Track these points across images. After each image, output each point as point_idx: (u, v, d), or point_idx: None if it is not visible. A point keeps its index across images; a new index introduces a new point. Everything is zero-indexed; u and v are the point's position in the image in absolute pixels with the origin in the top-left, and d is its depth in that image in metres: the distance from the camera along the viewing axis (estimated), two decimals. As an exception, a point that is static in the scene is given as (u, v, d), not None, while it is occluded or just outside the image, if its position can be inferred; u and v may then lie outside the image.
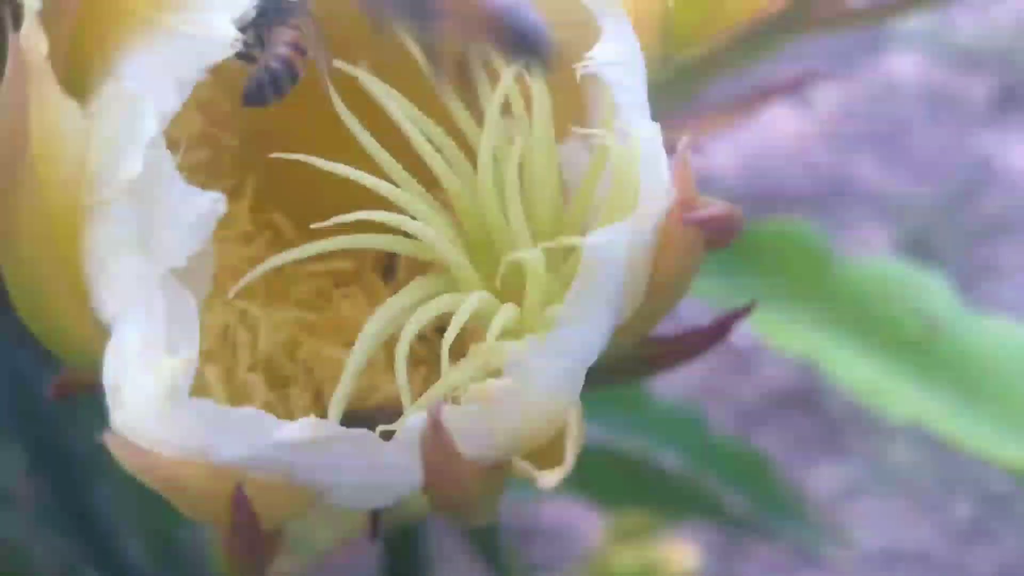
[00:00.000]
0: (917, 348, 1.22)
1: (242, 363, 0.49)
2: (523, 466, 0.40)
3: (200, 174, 0.52)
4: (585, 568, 1.66)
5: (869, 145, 2.60)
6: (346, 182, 0.46)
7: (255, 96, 0.45)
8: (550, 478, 0.38)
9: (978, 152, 2.54)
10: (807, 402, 2.28)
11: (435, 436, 0.38)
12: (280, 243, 0.54)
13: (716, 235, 0.42)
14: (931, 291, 1.26)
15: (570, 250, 0.44)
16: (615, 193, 0.42)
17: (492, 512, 0.45)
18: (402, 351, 0.42)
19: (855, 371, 1.24)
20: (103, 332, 0.44)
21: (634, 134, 0.40)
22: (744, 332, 0.62)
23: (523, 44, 0.41)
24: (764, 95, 0.99)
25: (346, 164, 0.48)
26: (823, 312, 1.25)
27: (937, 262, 2.30)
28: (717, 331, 0.56)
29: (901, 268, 1.32)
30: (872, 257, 1.43)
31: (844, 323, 1.25)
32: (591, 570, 1.65)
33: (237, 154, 0.54)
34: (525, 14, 0.41)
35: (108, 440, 0.37)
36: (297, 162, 0.53)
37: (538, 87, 0.43)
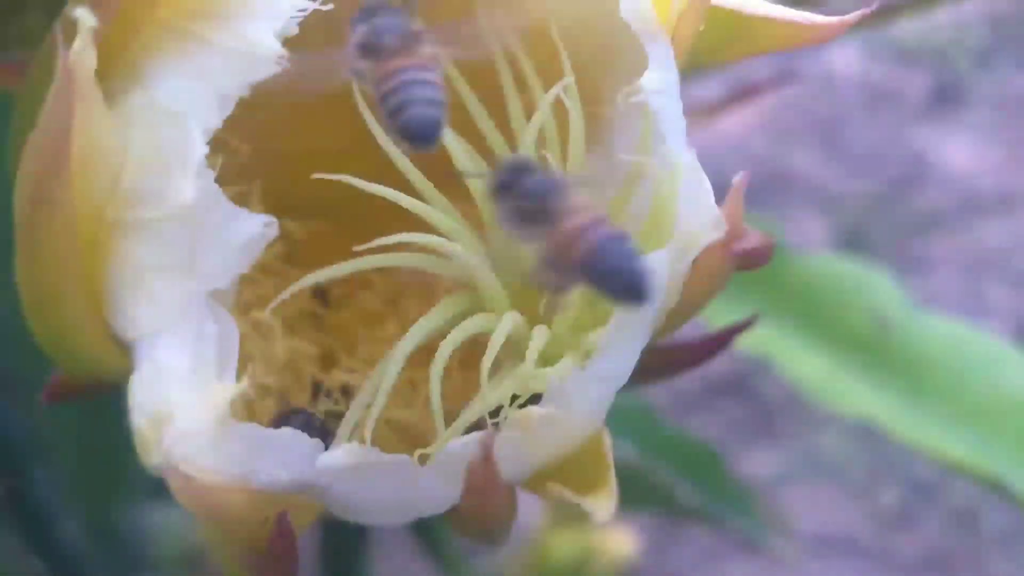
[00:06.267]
0: (867, 346, 1.24)
1: (258, 371, 0.49)
2: (568, 495, 0.40)
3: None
4: (523, 552, 1.67)
5: (807, 138, 2.63)
6: (356, 188, 0.46)
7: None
8: (603, 511, 0.38)
9: (914, 147, 2.59)
10: (741, 389, 2.31)
11: (484, 466, 0.38)
12: (291, 249, 0.54)
13: (750, 262, 0.42)
14: (881, 290, 1.28)
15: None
16: (652, 219, 0.42)
17: (509, 532, 0.45)
18: (436, 374, 0.42)
19: (805, 367, 1.26)
20: (116, 344, 0.43)
21: (677, 163, 0.41)
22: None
23: (619, 287, 0.38)
24: (740, 96, 0.99)
25: (356, 166, 0.47)
26: (774, 308, 1.26)
27: (871, 255, 2.35)
28: (714, 344, 0.57)
29: (852, 266, 1.34)
30: (823, 254, 1.45)
31: (795, 319, 1.27)
32: (529, 554, 1.66)
33: (248, 159, 0.53)
34: (618, 259, 0.37)
35: (168, 476, 0.36)
36: (307, 167, 0.52)
37: (575, 116, 0.43)
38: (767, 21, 0.42)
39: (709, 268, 0.42)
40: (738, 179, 0.40)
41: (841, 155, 2.59)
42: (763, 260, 0.42)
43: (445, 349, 0.42)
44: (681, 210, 0.41)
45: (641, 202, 0.44)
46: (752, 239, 0.41)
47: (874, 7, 0.41)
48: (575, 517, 1.65)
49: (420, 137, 0.39)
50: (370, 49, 0.41)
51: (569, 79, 0.43)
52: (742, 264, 0.42)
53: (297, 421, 0.44)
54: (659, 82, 0.40)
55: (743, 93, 1.20)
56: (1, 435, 0.90)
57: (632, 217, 0.44)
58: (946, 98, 2.62)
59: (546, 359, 0.43)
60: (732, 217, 0.40)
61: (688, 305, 0.45)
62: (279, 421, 0.44)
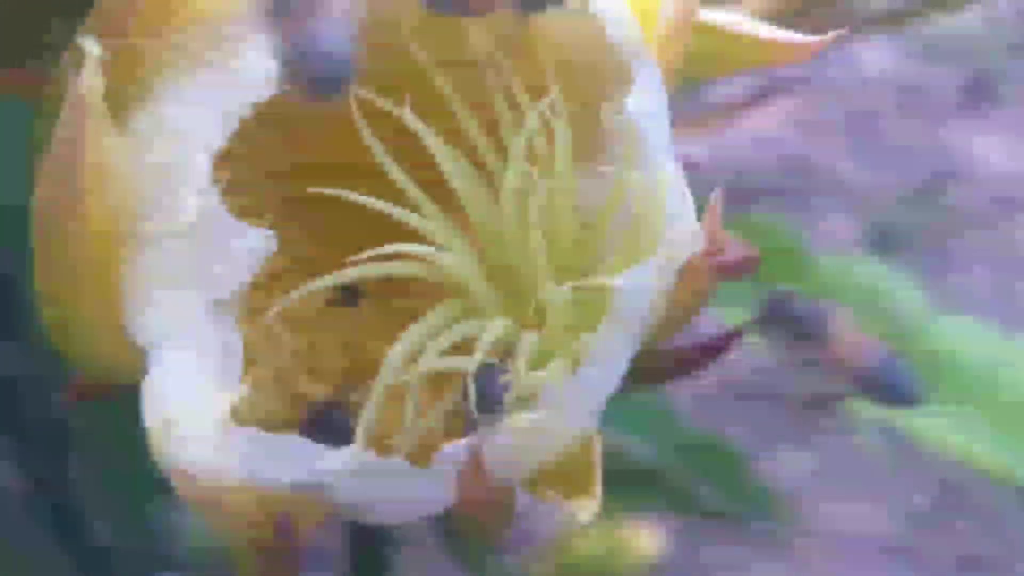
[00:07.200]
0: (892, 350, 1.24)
1: (262, 375, 0.51)
2: (554, 497, 0.42)
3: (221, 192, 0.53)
4: (549, 551, 1.68)
5: (838, 135, 2.62)
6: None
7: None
8: (585, 515, 0.40)
9: (946, 145, 2.57)
10: (770, 389, 2.31)
11: (473, 471, 0.40)
12: (300, 260, 0.55)
13: (734, 273, 0.44)
14: (902, 292, 1.29)
15: (584, 275, 0.46)
16: (636, 230, 0.44)
17: (507, 532, 0.47)
18: (415, 377, 0.44)
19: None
20: (132, 348, 0.45)
21: (660, 178, 0.42)
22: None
23: None
24: (768, 93, 1.00)
25: (360, 178, 0.49)
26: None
27: (902, 254, 2.34)
28: (718, 346, 0.58)
29: (873, 268, 1.34)
30: (844, 256, 1.46)
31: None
32: (555, 553, 1.67)
33: (258, 170, 0.54)
34: None
35: (174, 477, 0.39)
36: (315, 179, 0.54)
37: (560, 125, 0.45)
38: (751, 39, 0.44)
39: (693, 280, 0.43)
40: (715, 195, 0.41)
41: (872, 153, 2.58)
42: (748, 271, 0.43)
43: (430, 353, 0.44)
44: (665, 225, 0.43)
45: (628, 215, 0.45)
46: (733, 252, 0.42)
47: (844, 31, 0.42)
48: (601, 515, 1.66)
49: None
50: None
51: (554, 94, 0.44)
52: (726, 275, 0.44)
53: (337, 415, 0.46)
54: (644, 104, 0.42)
55: (772, 91, 1.20)
56: (33, 430, 0.93)
57: (619, 229, 0.46)
58: (978, 95, 2.60)
59: (537, 364, 0.44)
60: (710, 231, 0.42)
61: (676, 316, 0.47)
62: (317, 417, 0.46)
